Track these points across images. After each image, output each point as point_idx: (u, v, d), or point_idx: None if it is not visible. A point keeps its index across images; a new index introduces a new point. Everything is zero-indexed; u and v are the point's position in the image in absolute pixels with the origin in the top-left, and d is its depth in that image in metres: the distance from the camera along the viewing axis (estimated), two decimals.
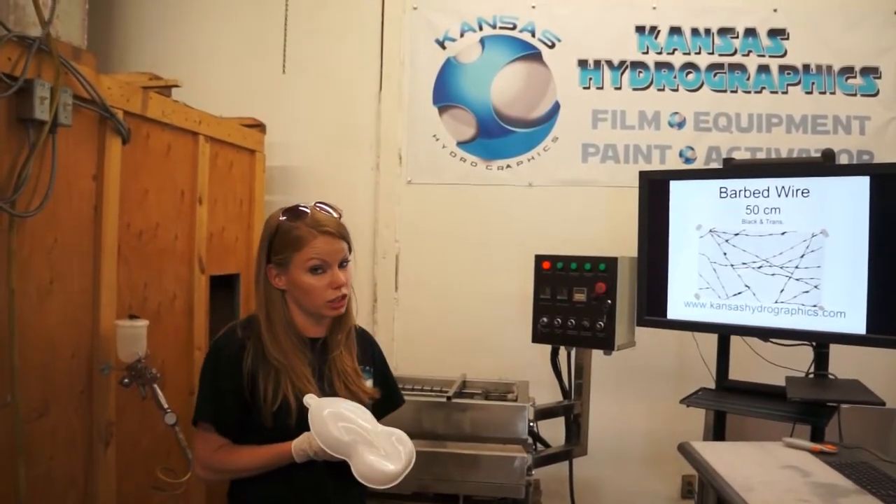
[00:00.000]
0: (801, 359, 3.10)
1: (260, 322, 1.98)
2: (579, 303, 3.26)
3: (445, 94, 4.28)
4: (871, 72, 4.05)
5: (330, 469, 1.88)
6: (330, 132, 4.39)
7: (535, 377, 3.68)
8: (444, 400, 3.18)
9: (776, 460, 2.34)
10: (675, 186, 3.23)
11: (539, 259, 3.37)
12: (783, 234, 2.97)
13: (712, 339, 3.31)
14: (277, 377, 1.92)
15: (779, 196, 2.98)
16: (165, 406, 2.63)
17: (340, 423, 1.81)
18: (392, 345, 4.29)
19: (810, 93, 4.09)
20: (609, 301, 3.19)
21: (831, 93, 4.08)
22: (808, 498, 2.00)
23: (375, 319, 4.32)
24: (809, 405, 2.85)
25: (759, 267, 3.02)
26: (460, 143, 4.27)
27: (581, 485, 3.82)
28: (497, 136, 4.24)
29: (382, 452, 1.82)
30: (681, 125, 4.15)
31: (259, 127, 4.05)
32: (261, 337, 1.96)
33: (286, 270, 1.97)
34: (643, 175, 3.33)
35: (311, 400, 1.87)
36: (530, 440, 3.30)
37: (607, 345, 3.23)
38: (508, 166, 4.25)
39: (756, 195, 3.04)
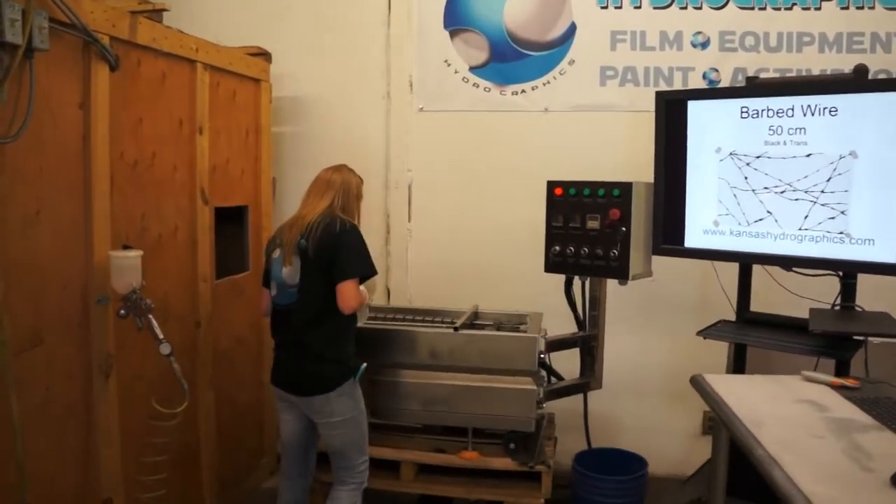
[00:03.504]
0: (826, 290, 2.96)
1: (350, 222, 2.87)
2: (592, 230, 3.13)
3: (457, 17, 4.09)
4: None
5: None
6: (338, 60, 4.25)
7: (551, 308, 3.59)
8: (451, 331, 3.11)
9: (792, 394, 2.22)
10: (694, 107, 3.05)
11: (551, 185, 3.24)
12: (808, 156, 2.79)
13: (733, 269, 3.18)
14: None
15: (804, 115, 2.79)
16: (161, 336, 2.61)
17: None
18: (405, 276, 4.24)
19: (846, 8, 3.81)
20: (623, 228, 3.05)
21: (869, 7, 3.79)
22: (822, 433, 1.89)
23: (388, 251, 4.25)
24: (834, 339, 2.72)
25: (783, 192, 2.85)
26: (473, 68, 4.11)
27: (597, 419, 3.76)
28: (511, 59, 4.06)
29: None
30: (704, 45, 3.92)
31: (264, 55, 3.91)
32: None
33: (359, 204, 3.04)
34: (659, 95, 3.15)
35: None
36: (542, 373, 3.23)
37: (622, 274, 3.11)
38: (523, 91, 4.08)
39: (780, 115, 2.85)
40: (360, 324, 3.04)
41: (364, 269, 2.81)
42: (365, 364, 2.89)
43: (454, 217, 4.19)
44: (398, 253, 4.25)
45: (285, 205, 4.02)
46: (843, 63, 3.75)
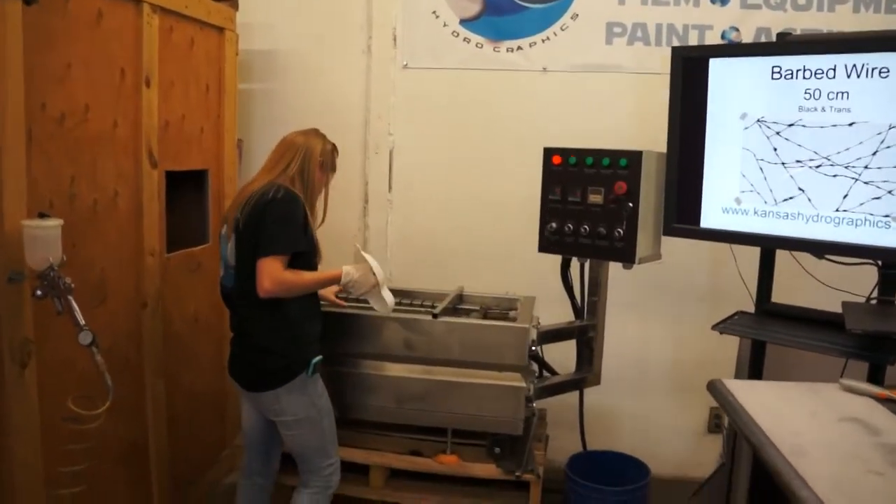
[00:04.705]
0: (862, 281, 2.57)
1: (298, 191, 2.54)
2: (595, 206, 2.74)
3: None
4: None
5: None
6: (313, 9, 3.86)
7: (547, 292, 3.25)
8: (428, 318, 2.72)
9: (833, 409, 1.84)
10: (716, 66, 2.63)
11: (548, 152, 2.84)
12: (851, 125, 2.38)
13: (752, 253, 2.81)
14: (312, 229, 2.57)
15: (848, 77, 2.37)
16: (81, 322, 2.21)
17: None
18: (385, 252, 3.87)
19: None
20: (630, 204, 2.66)
21: None
22: (881, 468, 1.50)
23: (366, 223, 3.88)
24: (872, 339, 2.33)
25: (818, 166, 2.45)
26: (464, 21, 3.71)
27: (594, 416, 3.42)
28: (507, 12, 3.66)
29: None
30: (724, 1, 3.53)
31: (229, 1, 3.48)
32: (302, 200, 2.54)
33: (325, 173, 2.72)
34: (676, 52, 2.72)
35: (358, 245, 2.80)
36: (533, 366, 2.87)
37: (627, 257, 2.72)
38: (519, 48, 3.68)
39: (818, 76, 2.43)
40: (383, 312, 2.69)
41: (284, 245, 2.44)
42: (320, 356, 2.56)
43: (440, 187, 3.82)
44: (377, 225, 3.88)
45: (252, 169, 3.60)
46: (882, 25, 3.42)
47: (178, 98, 3.07)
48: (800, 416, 1.80)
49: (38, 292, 2.20)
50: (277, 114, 3.81)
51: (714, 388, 2.05)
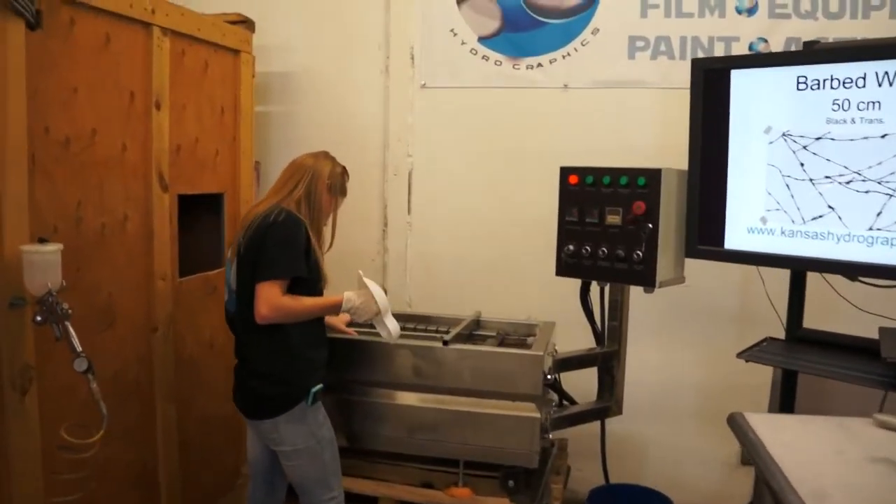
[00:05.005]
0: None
1: (302, 214, 2.49)
2: (613, 227, 2.63)
3: None
4: None
5: None
6: (332, 31, 3.83)
7: (569, 316, 3.12)
8: (438, 345, 2.63)
9: (863, 448, 1.69)
10: (739, 77, 2.52)
11: (565, 172, 2.74)
12: (884, 136, 2.24)
13: (783, 275, 2.67)
14: (318, 254, 2.50)
15: (880, 85, 2.24)
16: (78, 349, 2.18)
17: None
18: (405, 275, 3.81)
19: None
20: (649, 225, 2.54)
21: None
22: None
23: (386, 246, 3.81)
24: None
25: (849, 181, 2.31)
26: (482, 39, 3.65)
27: (618, 445, 3.29)
28: (525, 28, 3.59)
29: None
30: (751, 11, 3.40)
31: (245, 24, 3.47)
32: (306, 224, 2.48)
33: (333, 197, 2.64)
34: (697, 64, 2.62)
35: (361, 272, 2.59)
36: (550, 395, 2.75)
37: (647, 280, 2.59)
38: (539, 65, 3.60)
39: (847, 85, 2.30)
40: (388, 339, 2.57)
41: (283, 269, 2.38)
42: (321, 385, 2.48)
43: (460, 208, 3.73)
44: (397, 248, 3.81)
45: None
46: None
47: (190, 121, 3.05)
48: (825, 454, 1.66)
49: (38, 318, 2.18)
50: (295, 136, 3.78)
51: (734, 422, 1.92)
